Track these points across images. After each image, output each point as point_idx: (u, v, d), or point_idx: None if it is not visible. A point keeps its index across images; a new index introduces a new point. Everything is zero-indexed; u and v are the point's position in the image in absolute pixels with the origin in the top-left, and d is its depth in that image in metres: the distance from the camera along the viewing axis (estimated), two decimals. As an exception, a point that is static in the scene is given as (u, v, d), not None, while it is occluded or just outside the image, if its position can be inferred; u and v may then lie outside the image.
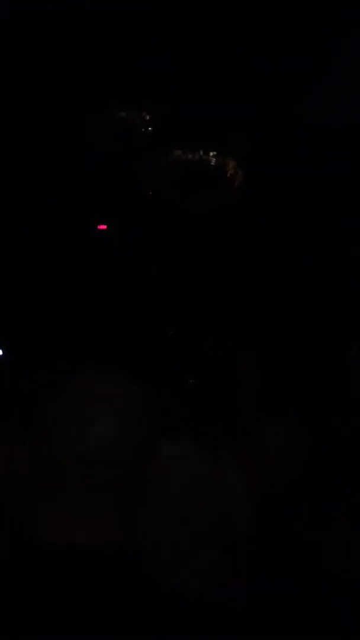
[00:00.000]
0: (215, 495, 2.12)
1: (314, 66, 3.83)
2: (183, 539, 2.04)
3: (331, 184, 5.00)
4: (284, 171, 4.64)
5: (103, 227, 5.99)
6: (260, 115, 4.24)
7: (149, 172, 4.44)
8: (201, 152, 4.26)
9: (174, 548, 2.02)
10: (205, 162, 4.28)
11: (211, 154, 4.30)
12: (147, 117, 4.01)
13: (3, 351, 6.86)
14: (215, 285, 8.43)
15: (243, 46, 3.68)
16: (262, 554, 2.17)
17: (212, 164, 4.27)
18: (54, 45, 3.71)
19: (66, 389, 0.73)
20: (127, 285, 8.55)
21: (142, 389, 0.78)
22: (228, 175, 4.42)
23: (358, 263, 6.36)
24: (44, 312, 7.19)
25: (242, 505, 2.16)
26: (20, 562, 0.65)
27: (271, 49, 3.69)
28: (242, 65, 3.81)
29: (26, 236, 6.59)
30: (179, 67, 3.85)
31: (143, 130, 3.99)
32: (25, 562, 0.65)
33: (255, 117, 4.26)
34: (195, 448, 2.24)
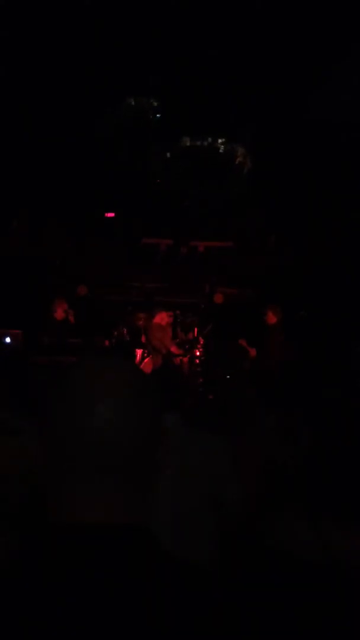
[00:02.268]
0: (214, 474, 2.16)
1: (322, 57, 3.80)
2: (186, 517, 2.09)
3: (338, 173, 4.98)
4: (291, 159, 4.62)
5: (111, 214, 5.99)
6: (268, 104, 4.22)
7: (157, 159, 4.42)
8: (209, 140, 4.24)
9: (177, 525, 2.07)
10: (214, 149, 4.26)
11: (219, 141, 4.27)
12: (155, 105, 3.99)
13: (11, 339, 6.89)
14: (220, 274, 8.43)
15: (253, 35, 3.65)
16: (257, 533, 2.22)
17: (221, 151, 4.24)
18: (64, 33, 3.70)
19: (71, 374, 0.76)
20: (131, 274, 8.56)
21: (145, 372, 0.80)
22: (236, 162, 4.41)
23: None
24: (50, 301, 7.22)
25: (239, 485, 2.19)
26: (36, 540, 0.68)
27: (280, 39, 3.66)
28: (251, 55, 3.79)
29: (34, 225, 6.60)
30: (189, 56, 3.83)
31: (151, 117, 3.98)
32: (39, 540, 0.68)
33: (264, 105, 4.24)
34: (195, 428, 2.27)
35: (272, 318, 6.54)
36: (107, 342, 7.56)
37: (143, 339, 7.36)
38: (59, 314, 6.66)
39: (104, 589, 0.63)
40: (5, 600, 0.62)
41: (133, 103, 3.96)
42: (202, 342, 7.48)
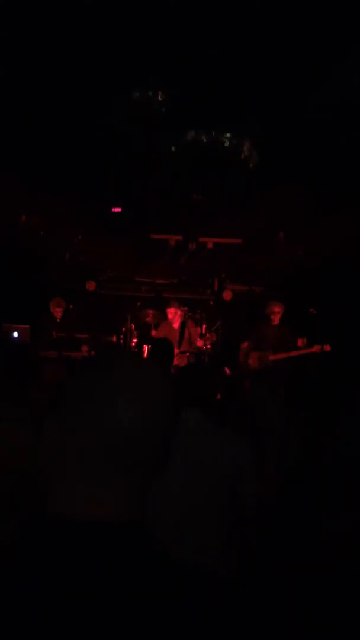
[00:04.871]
0: (233, 473, 2.12)
1: (332, 46, 3.73)
2: (189, 516, 2.06)
3: (348, 165, 4.91)
4: (299, 153, 4.56)
5: (117, 209, 5.98)
6: (275, 96, 4.17)
7: (162, 153, 4.40)
8: (214, 134, 4.20)
9: (180, 524, 2.04)
10: (219, 143, 4.22)
11: (226, 135, 4.23)
12: (161, 98, 3.96)
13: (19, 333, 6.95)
14: (229, 271, 8.40)
15: (260, 26, 3.59)
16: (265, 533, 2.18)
17: (226, 145, 4.21)
18: (68, 24, 3.67)
19: (80, 369, 0.75)
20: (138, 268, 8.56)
21: (153, 368, 0.78)
22: (242, 157, 4.36)
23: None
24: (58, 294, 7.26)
25: (258, 485, 2.16)
26: (33, 534, 0.67)
27: (289, 29, 3.59)
28: (258, 46, 3.73)
29: (42, 220, 6.63)
30: (194, 48, 3.79)
31: (156, 110, 3.95)
32: (37, 534, 0.67)
33: (271, 98, 4.19)
34: (209, 423, 2.24)
35: (277, 318, 6.54)
36: (114, 338, 7.58)
37: (154, 333, 7.35)
38: (57, 313, 6.90)
39: (99, 587, 0.62)
40: None
41: (138, 96, 3.95)
42: (203, 342, 7.45)
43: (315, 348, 6.18)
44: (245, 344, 6.83)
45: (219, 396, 6.31)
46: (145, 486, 0.73)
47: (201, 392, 2.29)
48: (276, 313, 6.56)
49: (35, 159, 5.11)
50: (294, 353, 6.26)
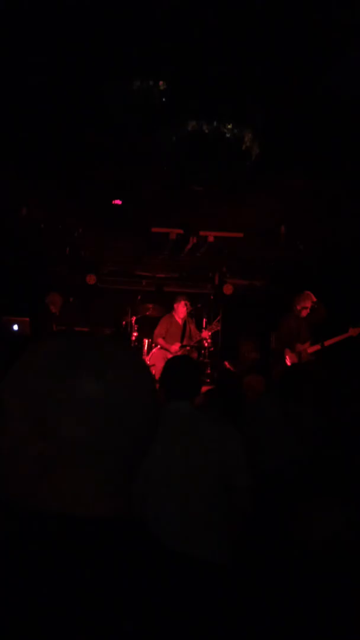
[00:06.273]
0: (226, 463, 2.12)
1: (336, 37, 3.69)
2: (182, 504, 2.06)
3: (351, 160, 4.86)
4: (301, 147, 4.52)
5: (118, 202, 5.95)
6: (279, 85, 4.12)
7: (163, 143, 4.36)
8: (216, 123, 4.15)
9: (173, 513, 2.04)
10: (221, 133, 4.18)
11: (228, 125, 4.19)
12: (162, 87, 3.91)
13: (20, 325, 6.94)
14: (230, 265, 8.37)
15: (263, 15, 3.55)
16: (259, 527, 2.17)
17: (227, 135, 4.16)
18: (66, 10, 3.63)
19: (64, 357, 0.70)
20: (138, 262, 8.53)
21: (136, 353, 0.76)
22: (244, 147, 4.31)
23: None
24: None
25: (250, 475, 2.16)
26: (24, 531, 0.64)
27: (293, 19, 3.55)
28: (262, 35, 3.69)
29: (39, 212, 6.61)
30: (197, 35, 3.74)
31: (157, 99, 3.90)
32: (24, 530, 0.64)
33: (274, 87, 4.14)
34: (199, 414, 2.25)
35: (307, 311, 6.50)
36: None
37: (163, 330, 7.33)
38: (53, 309, 6.93)
39: (94, 584, 0.59)
40: None
41: (139, 85, 3.90)
42: (210, 333, 7.44)
43: (351, 332, 6.13)
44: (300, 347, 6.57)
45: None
46: (128, 476, 0.70)
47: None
48: (308, 307, 6.53)
49: (36, 151, 5.07)
50: (331, 341, 6.22)
